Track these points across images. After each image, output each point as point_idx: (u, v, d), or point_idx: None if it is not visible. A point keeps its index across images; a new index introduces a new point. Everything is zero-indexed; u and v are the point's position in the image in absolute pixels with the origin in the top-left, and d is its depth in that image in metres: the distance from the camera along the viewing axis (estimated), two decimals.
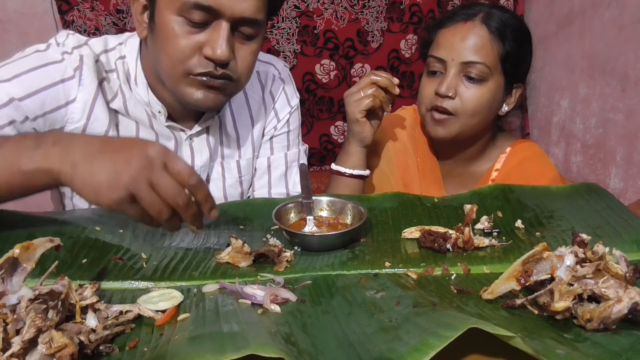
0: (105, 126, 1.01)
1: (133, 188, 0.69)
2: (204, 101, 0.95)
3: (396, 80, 1.11)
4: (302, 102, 2.71)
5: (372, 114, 1.13)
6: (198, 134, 1.09)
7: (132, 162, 0.69)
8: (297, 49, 2.52)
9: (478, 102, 1.13)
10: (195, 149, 1.09)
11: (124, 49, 1.04)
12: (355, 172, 1.15)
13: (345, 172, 1.15)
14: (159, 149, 0.72)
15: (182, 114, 1.06)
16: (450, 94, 1.12)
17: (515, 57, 1.15)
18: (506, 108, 1.20)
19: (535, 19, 2.64)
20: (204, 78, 0.92)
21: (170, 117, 1.05)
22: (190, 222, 0.76)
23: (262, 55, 1.16)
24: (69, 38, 1.01)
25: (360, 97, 1.10)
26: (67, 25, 2.26)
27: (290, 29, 2.48)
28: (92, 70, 0.98)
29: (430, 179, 1.26)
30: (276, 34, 2.47)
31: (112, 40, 1.05)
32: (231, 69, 0.93)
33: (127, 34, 1.07)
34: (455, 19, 1.15)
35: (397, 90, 1.10)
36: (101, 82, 1.01)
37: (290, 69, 2.52)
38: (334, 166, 1.18)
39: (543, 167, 1.22)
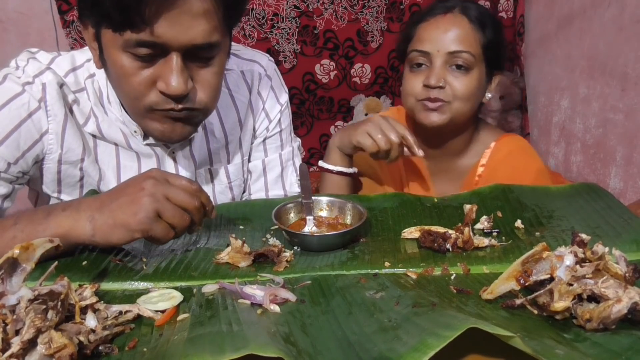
0: (79, 155, 0.98)
1: (156, 204, 0.75)
2: (171, 134, 0.91)
3: (421, 153, 1.09)
4: (302, 102, 2.73)
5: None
6: (181, 146, 1.05)
7: (144, 186, 0.76)
8: (297, 49, 2.52)
9: (468, 89, 1.15)
10: (179, 162, 1.06)
11: (92, 66, 0.97)
12: (337, 169, 1.16)
13: (329, 169, 1.16)
14: (157, 170, 0.80)
15: None
16: (440, 84, 1.14)
17: (494, 45, 1.18)
18: (489, 95, 1.23)
19: (535, 19, 2.64)
20: (167, 112, 0.88)
21: (147, 135, 1.01)
22: (198, 223, 0.81)
23: (245, 52, 1.13)
24: (30, 63, 0.94)
25: (374, 136, 1.08)
26: (67, 25, 2.26)
27: (290, 29, 2.48)
28: (57, 99, 0.94)
29: (418, 176, 1.29)
30: (276, 34, 2.47)
31: (79, 56, 0.99)
32: (192, 100, 0.87)
33: None
34: (435, 13, 1.17)
35: (420, 153, 1.09)
36: (70, 107, 0.97)
37: (290, 69, 2.55)
38: (320, 163, 1.18)
39: (529, 160, 1.23)
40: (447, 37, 1.13)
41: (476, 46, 1.14)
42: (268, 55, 1.16)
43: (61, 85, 0.95)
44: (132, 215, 0.75)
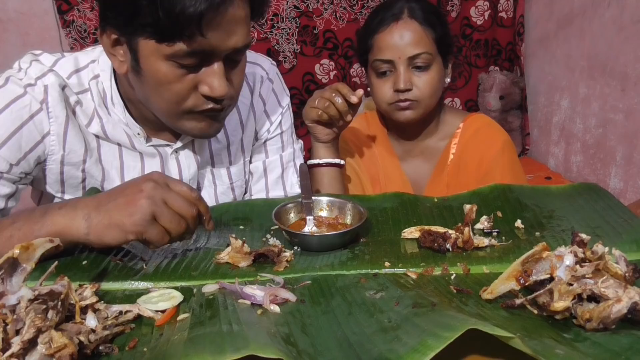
0: (81, 156, 0.99)
1: (153, 207, 0.75)
2: (209, 131, 0.95)
3: (354, 99, 1.15)
4: (302, 102, 2.72)
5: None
6: (184, 146, 1.06)
7: (143, 188, 0.76)
8: (297, 49, 2.52)
9: (431, 85, 1.26)
10: (182, 162, 1.06)
11: (97, 67, 0.99)
12: (323, 161, 1.23)
13: (317, 163, 1.23)
14: (158, 174, 0.80)
15: (163, 128, 1.01)
16: (408, 87, 1.25)
17: (444, 36, 1.28)
18: (448, 80, 1.34)
19: (535, 19, 2.64)
20: (206, 111, 0.90)
21: (150, 134, 1.02)
22: (191, 232, 0.81)
23: (248, 55, 1.12)
24: (33, 65, 0.95)
25: (314, 105, 1.18)
26: (67, 25, 2.26)
27: (290, 29, 2.48)
28: (59, 100, 0.94)
29: (390, 166, 1.40)
30: (276, 34, 2.47)
31: (83, 58, 1.00)
32: (228, 97, 0.90)
33: (98, 49, 0.99)
34: (387, 22, 1.25)
35: (354, 99, 1.15)
36: (73, 108, 0.97)
37: (290, 69, 2.55)
38: (310, 162, 1.24)
39: (494, 133, 1.34)
40: (404, 43, 1.23)
41: (430, 44, 1.24)
42: (270, 59, 1.17)
43: (63, 87, 0.95)
44: (127, 216, 0.74)
